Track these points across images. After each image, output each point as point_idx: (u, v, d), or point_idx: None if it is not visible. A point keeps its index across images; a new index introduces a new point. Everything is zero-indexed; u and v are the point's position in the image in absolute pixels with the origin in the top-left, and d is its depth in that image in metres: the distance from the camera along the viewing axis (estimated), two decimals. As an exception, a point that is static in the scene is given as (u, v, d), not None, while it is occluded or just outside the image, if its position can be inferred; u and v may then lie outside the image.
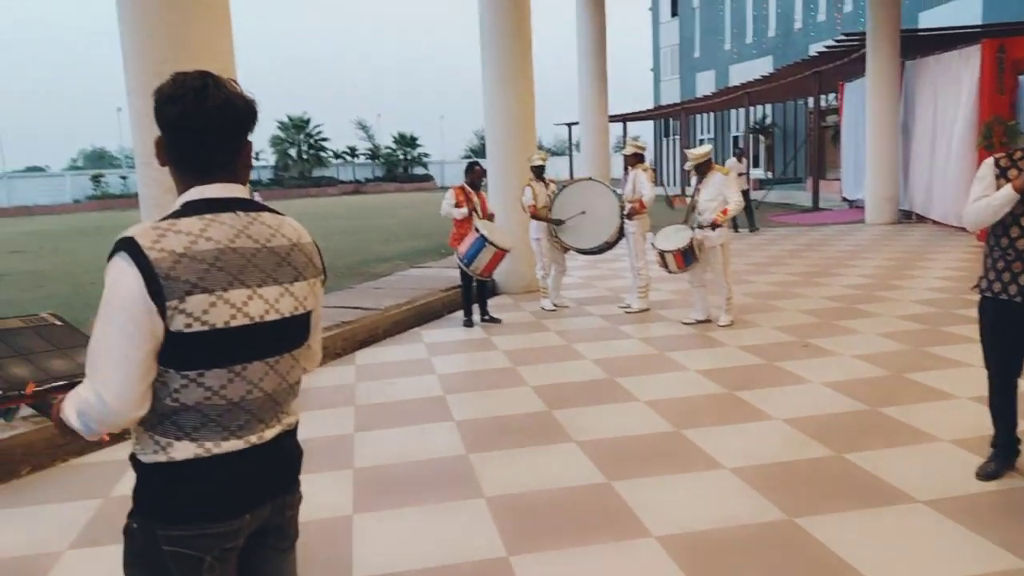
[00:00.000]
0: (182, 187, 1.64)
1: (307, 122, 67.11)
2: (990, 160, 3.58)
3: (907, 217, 16.70)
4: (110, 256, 1.52)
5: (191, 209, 1.59)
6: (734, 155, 16.67)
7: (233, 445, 1.62)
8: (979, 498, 3.59)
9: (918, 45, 16.11)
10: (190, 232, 1.54)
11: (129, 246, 1.50)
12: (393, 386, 5.92)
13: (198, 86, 1.58)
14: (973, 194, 3.56)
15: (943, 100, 14.03)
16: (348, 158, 73.48)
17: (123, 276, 1.49)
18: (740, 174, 15.20)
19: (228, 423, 1.61)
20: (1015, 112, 12.40)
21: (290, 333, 1.69)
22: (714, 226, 7.16)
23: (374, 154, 74.41)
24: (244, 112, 1.64)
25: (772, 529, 3.38)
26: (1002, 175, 3.48)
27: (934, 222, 15.24)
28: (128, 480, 1.89)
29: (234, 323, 1.55)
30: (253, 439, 1.65)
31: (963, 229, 13.50)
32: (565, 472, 4.11)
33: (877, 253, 12.01)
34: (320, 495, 3.57)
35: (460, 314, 8.21)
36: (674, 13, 42.02)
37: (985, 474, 3.75)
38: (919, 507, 3.51)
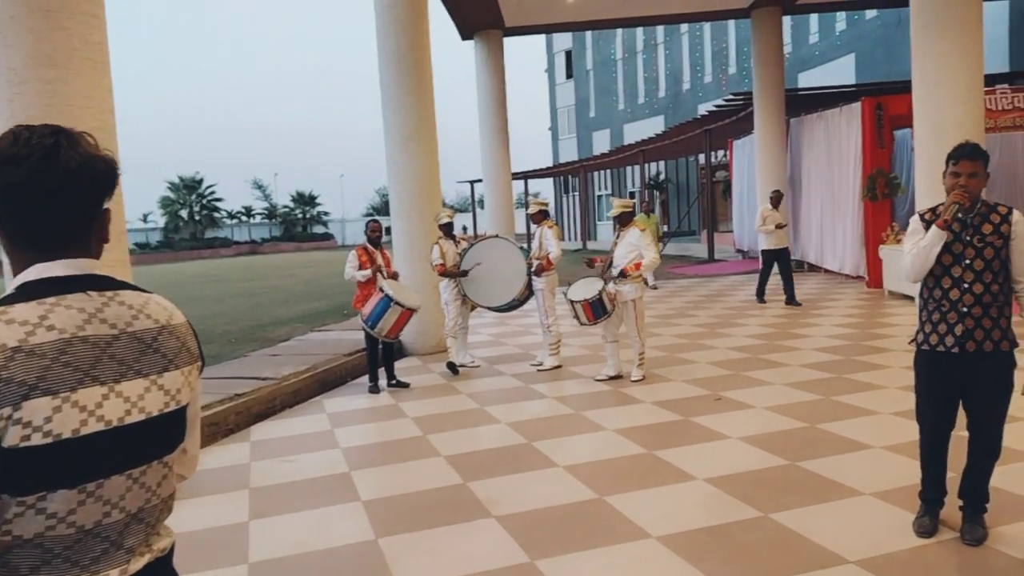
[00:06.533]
0: (19, 266, 1.31)
1: (199, 182, 65.34)
2: (915, 216, 3.67)
3: (799, 267, 17.37)
4: None
5: (29, 292, 1.27)
6: (770, 199, 12.02)
7: None
8: (910, 555, 3.49)
9: (801, 103, 17.04)
10: (26, 321, 1.22)
11: None
12: (292, 464, 5.46)
13: (48, 145, 1.27)
14: (906, 248, 3.61)
15: (830, 154, 14.75)
16: (243, 218, 71.68)
17: None
18: (779, 226, 11.58)
19: (79, 557, 1.26)
20: (893, 165, 13.15)
21: (159, 436, 1.36)
22: (623, 274, 7.12)
23: (271, 214, 72.88)
24: (103, 175, 1.33)
25: (709, 605, 3.16)
26: (927, 227, 3.55)
27: (826, 271, 15.88)
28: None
29: (85, 431, 1.23)
30: (114, 574, 1.29)
31: (855, 277, 14.12)
32: (486, 553, 3.78)
33: (775, 303, 12.30)
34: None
35: (365, 379, 7.80)
36: (569, 75, 43.43)
37: (924, 531, 3.65)
38: (852, 568, 3.37)
